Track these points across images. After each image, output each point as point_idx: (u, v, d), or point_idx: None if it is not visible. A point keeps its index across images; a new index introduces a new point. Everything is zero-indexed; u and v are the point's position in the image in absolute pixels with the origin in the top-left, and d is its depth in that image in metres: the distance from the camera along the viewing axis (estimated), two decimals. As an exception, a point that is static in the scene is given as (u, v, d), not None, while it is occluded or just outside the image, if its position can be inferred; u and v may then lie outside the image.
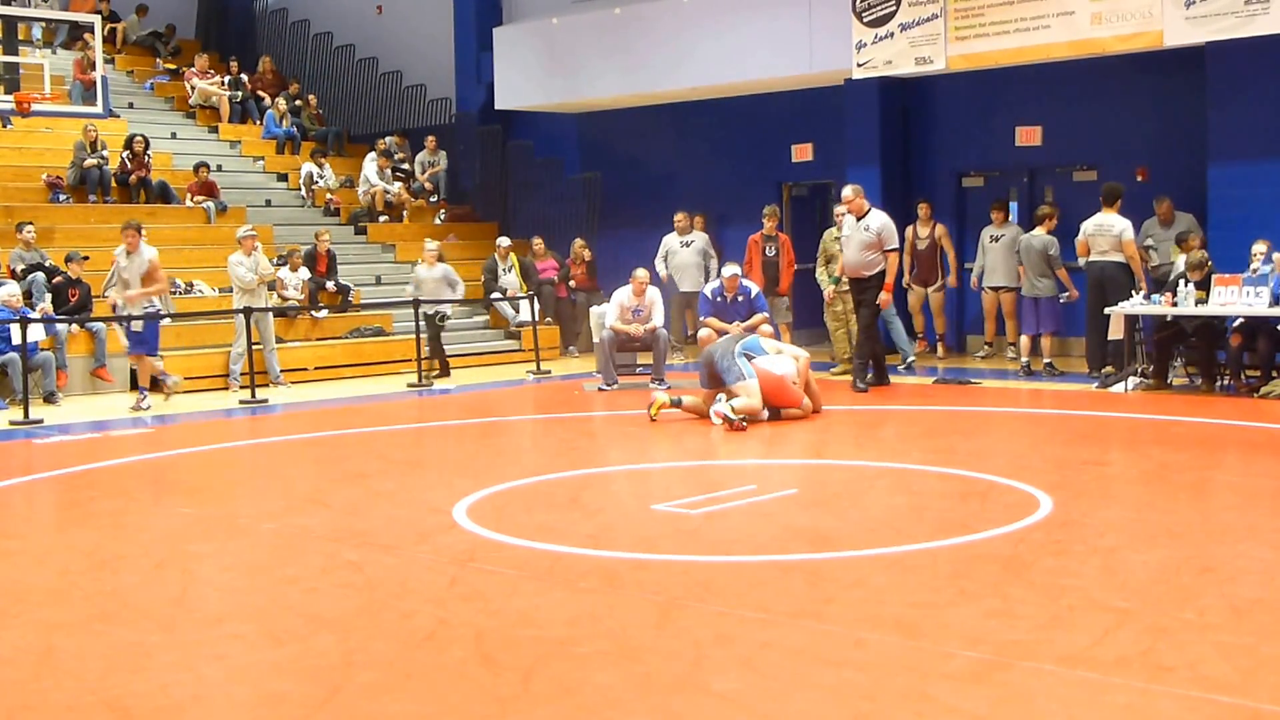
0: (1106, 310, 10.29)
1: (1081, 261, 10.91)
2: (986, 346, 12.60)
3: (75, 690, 3.65)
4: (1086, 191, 12.54)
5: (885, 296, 10.06)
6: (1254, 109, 11.00)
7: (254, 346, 11.30)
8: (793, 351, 9.06)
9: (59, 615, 4.45)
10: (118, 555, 5.39)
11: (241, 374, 11.30)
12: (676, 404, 8.85)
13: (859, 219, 10.15)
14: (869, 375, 10.25)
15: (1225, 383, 9.81)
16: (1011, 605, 4.23)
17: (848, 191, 10.34)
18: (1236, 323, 9.47)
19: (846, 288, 11.07)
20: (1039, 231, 11.29)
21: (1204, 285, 9.58)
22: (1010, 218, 12.59)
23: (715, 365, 8.59)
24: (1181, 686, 3.43)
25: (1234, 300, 9.33)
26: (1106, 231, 10.38)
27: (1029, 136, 13.06)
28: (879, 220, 10.10)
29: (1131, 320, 9.98)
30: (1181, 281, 9.70)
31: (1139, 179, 11.45)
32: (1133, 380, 10.02)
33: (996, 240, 12.10)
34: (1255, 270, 9.41)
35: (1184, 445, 7.66)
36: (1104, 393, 10.03)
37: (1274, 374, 9.51)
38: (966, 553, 4.99)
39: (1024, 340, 11.33)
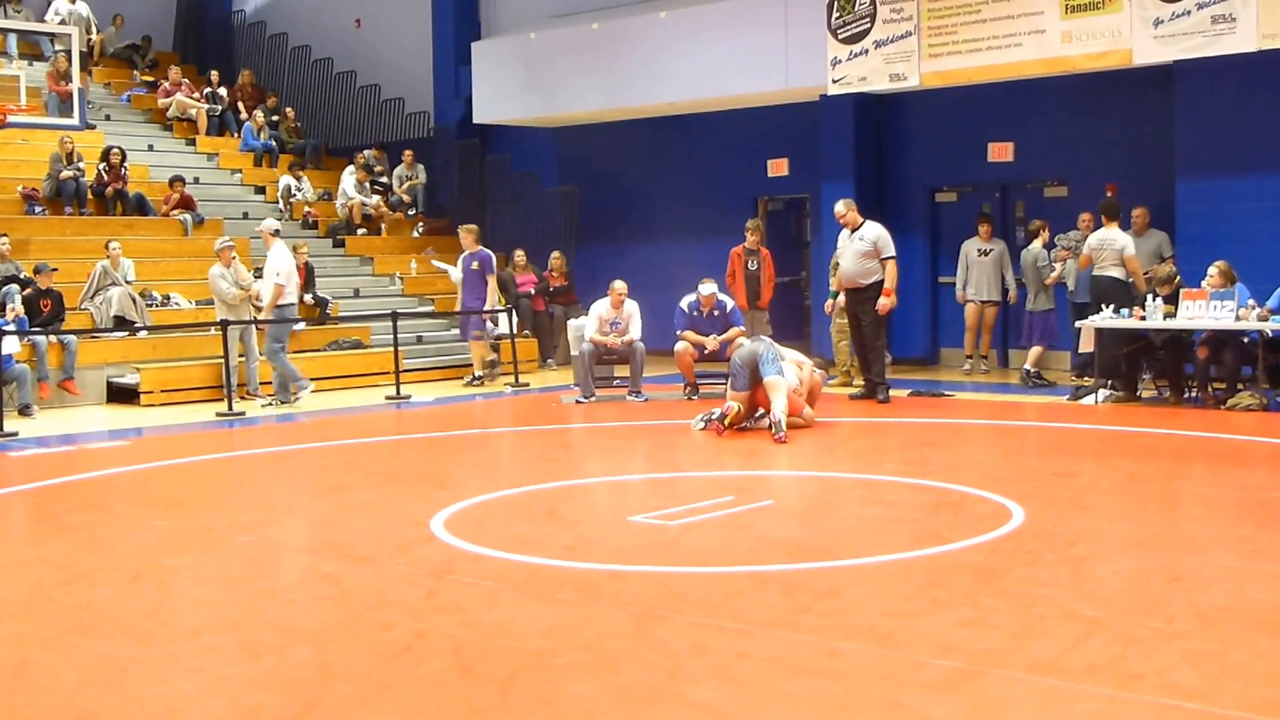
0: (1076, 324, 10.43)
1: (1062, 275, 11.20)
2: (970, 361, 12.62)
3: (50, 704, 3.63)
4: (1057, 207, 12.72)
5: (885, 302, 10.18)
6: (1221, 127, 11.17)
7: (240, 359, 11.27)
8: (795, 358, 9.14)
9: (33, 629, 4.43)
10: (93, 568, 5.36)
11: (240, 385, 11.23)
12: (723, 417, 8.69)
13: (853, 231, 10.29)
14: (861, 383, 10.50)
15: (1193, 395, 9.94)
16: (984, 614, 4.28)
17: (839, 207, 10.47)
18: (1203, 336, 9.62)
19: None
20: (1035, 246, 11.50)
21: (1172, 299, 9.73)
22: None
23: (758, 362, 8.58)
24: (1150, 694, 3.49)
25: (1201, 314, 9.48)
26: (1109, 246, 10.53)
27: (1001, 152, 13.21)
28: (874, 230, 10.26)
29: (1130, 334, 10.02)
30: (1150, 296, 9.85)
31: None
32: (1102, 393, 10.15)
33: (985, 254, 12.21)
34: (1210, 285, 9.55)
35: (1153, 456, 7.76)
36: (1074, 405, 10.15)
37: (1239, 386, 9.66)
38: (939, 563, 5.04)
39: (1031, 352, 11.56)
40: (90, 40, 16.82)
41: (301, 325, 12.99)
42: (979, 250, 12.24)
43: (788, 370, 8.73)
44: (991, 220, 12.48)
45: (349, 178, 15.99)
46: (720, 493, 6.52)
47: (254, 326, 11.65)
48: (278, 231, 11.48)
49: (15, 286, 11.53)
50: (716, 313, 10.80)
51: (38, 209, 13.90)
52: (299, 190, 15.95)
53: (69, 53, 14.61)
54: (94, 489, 7.40)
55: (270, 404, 11.04)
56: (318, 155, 17.49)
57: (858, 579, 4.87)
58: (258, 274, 12.93)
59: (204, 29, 19.98)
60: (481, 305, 12.81)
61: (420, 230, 16.52)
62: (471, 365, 12.89)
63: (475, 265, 12.84)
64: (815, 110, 13.70)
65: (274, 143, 16.95)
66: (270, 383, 11.40)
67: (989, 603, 4.43)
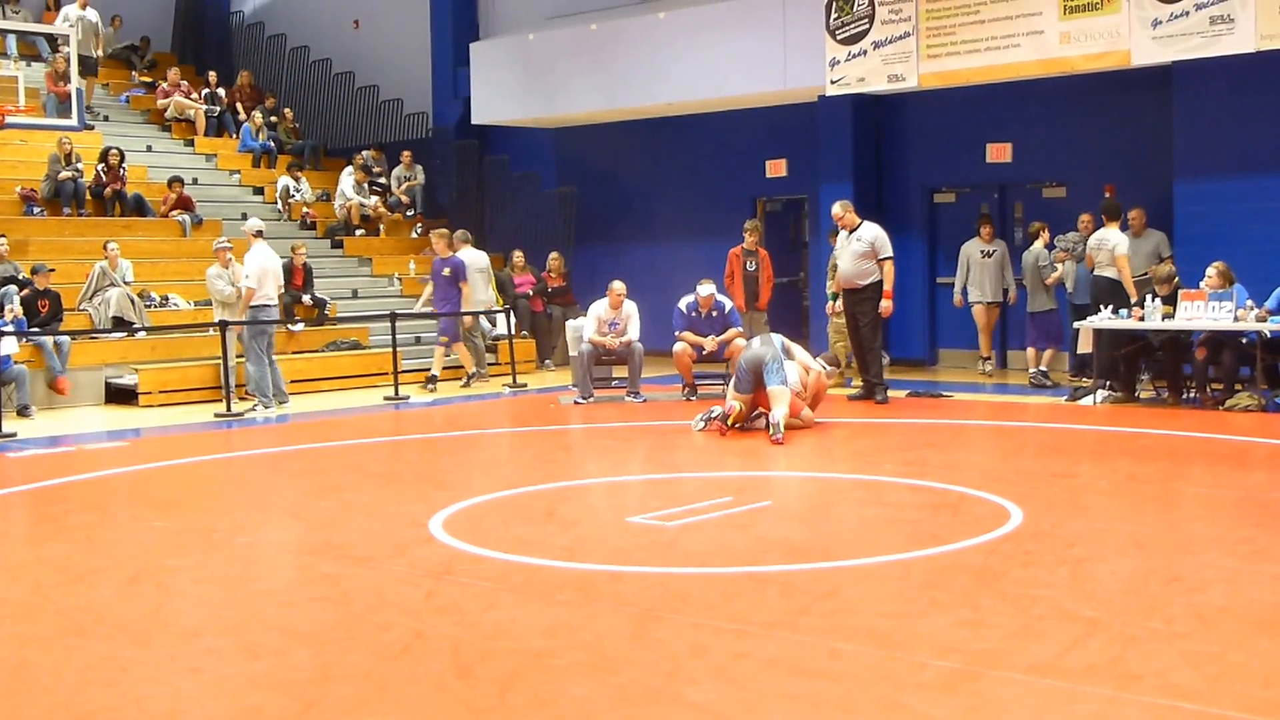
0: (1076, 324, 10.44)
1: (1062, 276, 11.32)
2: (988, 362, 12.56)
3: (49, 705, 3.63)
4: (1056, 207, 12.73)
5: (887, 305, 10.20)
6: (1219, 127, 11.18)
7: (238, 359, 11.26)
8: (804, 359, 9.13)
9: (32, 630, 4.43)
10: (92, 569, 5.36)
11: (238, 385, 11.18)
12: (725, 418, 8.73)
13: (850, 232, 10.30)
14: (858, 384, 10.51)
15: (1191, 396, 9.95)
16: (982, 615, 4.29)
17: (836, 208, 10.47)
18: (1201, 337, 9.63)
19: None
20: (1036, 247, 11.54)
21: (1171, 300, 9.74)
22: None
23: (763, 369, 8.54)
24: (1149, 694, 3.49)
25: (1199, 314, 9.49)
26: (1104, 246, 10.59)
27: (999, 153, 13.22)
28: (872, 231, 10.27)
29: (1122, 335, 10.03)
30: (1149, 296, 9.86)
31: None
32: (1101, 394, 10.16)
33: (989, 255, 12.21)
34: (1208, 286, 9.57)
35: (1151, 457, 7.77)
36: (1073, 406, 10.16)
37: (1238, 387, 9.66)
38: (938, 563, 5.04)
39: (1031, 352, 11.63)
40: (95, 46, 16.81)
41: (300, 326, 13.01)
42: (982, 252, 12.22)
43: (790, 370, 8.73)
44: (992, 221, 12.49)
45: (347, 178, 15.99)
46: (719, 493, 6.52)
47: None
48: (260, 232, 11.31)
49: (14, 287, 11.54)
50: (715, 313, 10.81)
51: (36, 210, 13.90)
52: (297, 191, 15.94)
53: (84, 56, 14.63)
54: (93, 490, 7.40)
55: (267, 405, 10.96)
56: (316, 156, 17.49)
57: (856, 580, 4.88)
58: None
59: (202, 30, 19.97)
60: (452, 310, 12.54)
61: (419, 231, 16.51)
62: (463, 367, 12.80)
63: (447, 271, 12.62)
64: (814, 111, 13.70)
65: (272, 143, 16.94)
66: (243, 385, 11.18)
67: (988, 603, 4.43)
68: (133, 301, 12.23)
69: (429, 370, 12.62)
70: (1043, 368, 11.53)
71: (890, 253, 10.28)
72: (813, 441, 8.46)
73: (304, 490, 7.37)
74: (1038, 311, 11.54)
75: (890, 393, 10.49)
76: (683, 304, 10.89)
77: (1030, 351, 11.70)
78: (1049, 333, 11.53)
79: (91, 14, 16.47)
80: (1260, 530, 5.61)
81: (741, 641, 4.04)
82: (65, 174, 13.98)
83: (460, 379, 12.89)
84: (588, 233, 15.89)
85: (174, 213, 14.53)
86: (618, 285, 11.20)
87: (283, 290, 11.80)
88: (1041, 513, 5.92)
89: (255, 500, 7.22)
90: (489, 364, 13.58)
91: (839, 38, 12.80)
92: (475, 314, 13.08)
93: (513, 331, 13.43)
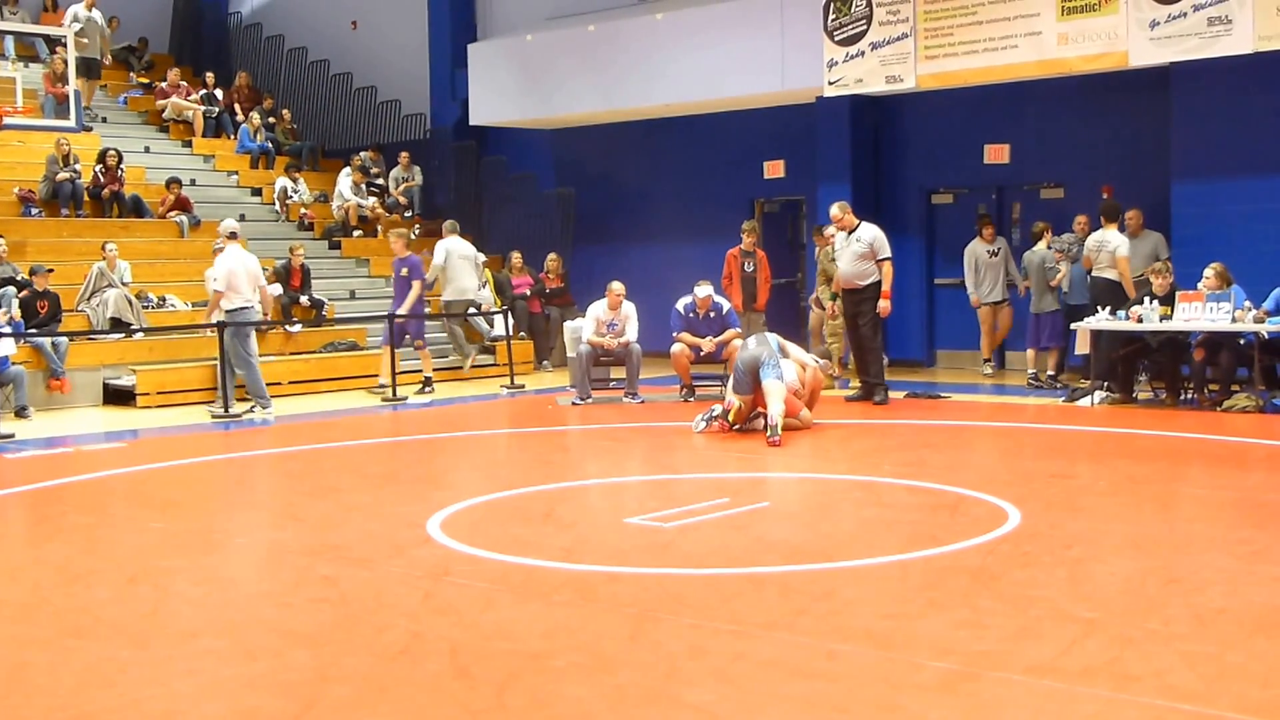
0: (1073, 326, 10.46)
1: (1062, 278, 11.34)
2: (989, 364, 12.59)
3: (47, 706, 3.63)
4: (1053, 209, 12.74)
5: (885, 304, 10.21)
6: (1217, 128, 11.20)
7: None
8: (799, 357, 9.12)
9: (30, 631, 4.42)
10: (90, 570, 5.35)
11: (236, 386, 11.12)
12: (726, 415, 8.76)
13: (849, 233, 10.31)
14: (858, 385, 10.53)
15: (1189, 397, 9.96)
16: (980, 616, 4.29)
17: (835, 210, 10.49)
18: (1199, 338, 9.64)
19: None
20: (1040, 247, 11.55)
21: (1168, 301, 9.75)
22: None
23: (759, 368, 8.53)
24: (1147, 695, 3.49)
25: (1197, 315, 9.50)
26: (1103, 247, 10.62)
27: (997, 154, 13.23)
28: (870, 231, 10.29)
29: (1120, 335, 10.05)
30: (1146, 297, 9.87)
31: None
32: (1099, 395, 10.17)
33: (995, 255, 12.22)
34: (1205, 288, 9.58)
35: (1149, 458, 7.78)
36: (1071, 407, 10.17)
37: (1235, 388, 9.67)
38: (936, 564, 5.04)
39: (1030, 353, 11.66)
40: (101, 48, 16.77)
41: (298, 327, 13.00)
42: (988, 251, 12.25)
43: (787, 369, 8.73)
44: (992, 220, 12.51)
45: (345, 179, 15.98)
46: (717, 494, 6.52)
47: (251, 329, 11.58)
48: (234, 234, 11.16)
49: (12, 289, 11.54)
50: (713, 314, 10.81)
51: (34, 211, 13.89)
52: (295, 192, 15.94)
53: (90, 58, 14.55)
54: (91, 491, 7.39)
55: (265, 406, 10.92)
56: (314, 157, 17.49)
57: (854, 581, 4.88)
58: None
59: (200, 31, 19.97)
60: (408, 312, 12.30)
61: (417, 232, 16.49)
62: (378, 376, 12.33)
63: (404, 271, 12.43)
64: (812, 112, 13.71)
65: (270, 144, 16.94)
66: (242, 386, 11.06)
67: (986, 604, 4.43)
68: (130, 302, 12.23)
69: (422, 374, 12.61)
70: (1050, 371, 11.54)
71: (889, 254, 10.29)
72: (810, 442, 8.45)
73: (302, 491, 7.36)
74: (1043, 312, 11.54)
75: (889, 393, 10.49)
76: (680, 305, 10.89)
77: (1030, 352, 11.72)
78: (1055, 334, 11.53)
79: (98, 15, 16.44)
80: (1258, 531, 5.62)
81: (739, 642, 4.03)
82: (63, 175, 13.97)
83: (461, 378, 12.85)
84: (586, 234, 15.89)
85: (172, 214, 14.53)
86: (616, 286, 11.20)
87: (281, 293, 11.77)
88: (1039, 513, 5.92)
89: (253, 501, 7.22)
90: (488, 364, 13.59)
91: (837, 39, 12.81)
92: (467, 313, 13.04)
93: (510, 332, 13.43)
